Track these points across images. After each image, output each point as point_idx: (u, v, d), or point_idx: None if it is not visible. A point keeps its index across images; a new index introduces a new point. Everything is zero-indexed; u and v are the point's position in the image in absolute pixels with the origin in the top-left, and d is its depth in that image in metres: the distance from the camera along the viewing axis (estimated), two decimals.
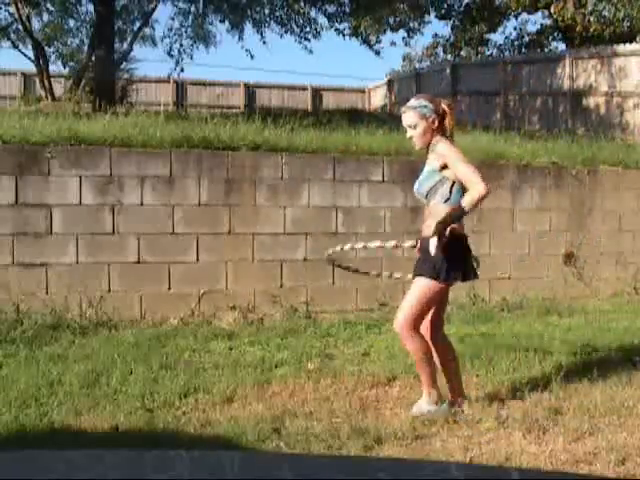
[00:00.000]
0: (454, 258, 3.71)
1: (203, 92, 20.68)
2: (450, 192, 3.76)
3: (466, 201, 3.63)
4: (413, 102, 3.86)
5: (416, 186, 3.91)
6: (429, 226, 3.70)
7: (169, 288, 6.19)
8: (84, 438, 3.42)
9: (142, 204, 6.14)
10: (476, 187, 3.61)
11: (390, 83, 20.50)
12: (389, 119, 12.30)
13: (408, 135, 3.88)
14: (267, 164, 6.53)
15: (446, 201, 3.75)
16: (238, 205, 6.41)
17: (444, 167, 3.75)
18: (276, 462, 1.13)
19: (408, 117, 3.85)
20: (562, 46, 18.74)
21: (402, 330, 3.78)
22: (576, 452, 3.30)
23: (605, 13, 16.32)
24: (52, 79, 14.67)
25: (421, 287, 3.75)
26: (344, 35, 16.17)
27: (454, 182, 3.74)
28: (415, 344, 3.77)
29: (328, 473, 1.04)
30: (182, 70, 15.17)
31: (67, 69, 19.35)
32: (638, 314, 6.69)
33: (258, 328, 5.98)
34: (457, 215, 3.68)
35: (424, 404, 3.84)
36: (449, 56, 20.65)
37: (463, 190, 3.71)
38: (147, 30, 18.42)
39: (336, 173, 6.75)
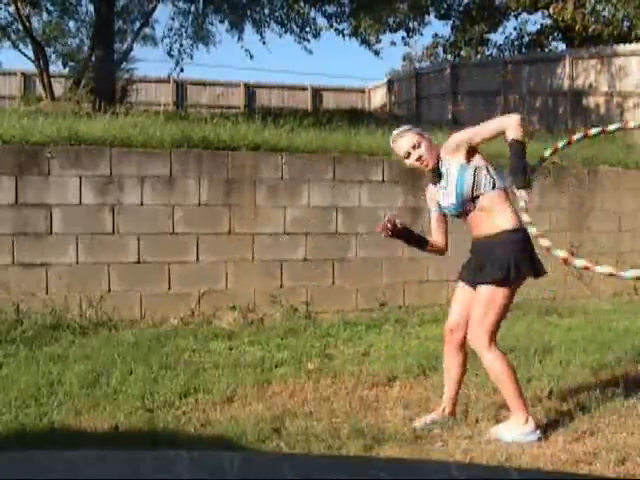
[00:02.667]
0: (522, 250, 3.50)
1: (203, 92, 20.67)
2: (492, 175, 3.50)
3: (514, 133, 3.39)
4: (402, 128, 3.65)
5: (451, 200, 3.51)
6: (497, 226, 3.45)
7: (169, 288, 6.19)
8: (84, 438, 3.42)
9: (142, 204, 6.14)
10: (507, 119, 3.47)
11: (390, 83, 20.50)
12: (389, 119, 12.31)
13: (413, 158, 3.54)
14: (267, 164, 6.53)
15: (494, 186, 3.48)
16: (238, 205, 6.41)
17: (470, 157, 3.49)
18: (276, 462, 1.13)
19: (408, 140, 3.55)
20: (562, 46, 18.74)
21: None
22: (576, 452, 3.30)
23: (604, 13, 16.32)
24: (52, 79, 14.67)
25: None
26: (344, 35, 16.18)
27: (487, 166, 3.51)
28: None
29: (328, 473, 1.04)
30: (182, 70, 15.18)
31: (67, 69, 19.37)
32: (638, 314, 6.69)
33: (258, 328, 5.99)
34: (520, 149, 3.41)
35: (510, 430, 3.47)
36: (449, 56, 20.65)
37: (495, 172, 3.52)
38: (147, 30, 18.47)
39: (336, 173, 6.75)
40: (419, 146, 3.54)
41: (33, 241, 5.84)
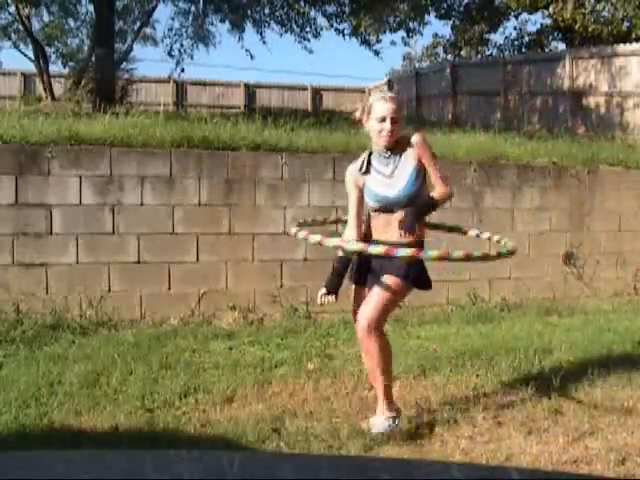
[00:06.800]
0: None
1: (203, 92, 20.69)
2: (427, 193, 3.53)
3: (439, 195, 3.50)
4: (395, 94, 3.66)
5: (394, 192, 3.48)
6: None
7: (169, 288, 6.19)
8: (84, 438, 3.42)
9: (142, 204, 6.14)
10: (447, 188, 3.53)
11: (390, 83, 20.50)
12: None
13: (387, 126, 3.43)
14: (267, 164, 6.53)
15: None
16: (238, 205, 6.41)
17: (419, 163, 3.50)
18: (276, 462, 1.13)
19: (397, 108, 3.47)
20: (562, 46, 18.74)
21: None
22: (576, 452, 3.30)
23: (604, 13, 16.33)
24: (52, 79, 14.70)
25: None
26: (344, 35, 16.17)
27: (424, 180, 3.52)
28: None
29: (328, 473, 1.04)
30: (183, 71, 15.17)
31: (67, 69, 19.39)
32: (638, 314, 6.69)
33: (258, 328, 5.98)
34: (427, 208, 3.51)
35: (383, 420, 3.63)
36: (449, 56, 20.65)
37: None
38: (147, 30, 18.51)
39: (336, 173, 6.74)
40: (397, 122, 3.46)
41: (33, 241, 5.84)
